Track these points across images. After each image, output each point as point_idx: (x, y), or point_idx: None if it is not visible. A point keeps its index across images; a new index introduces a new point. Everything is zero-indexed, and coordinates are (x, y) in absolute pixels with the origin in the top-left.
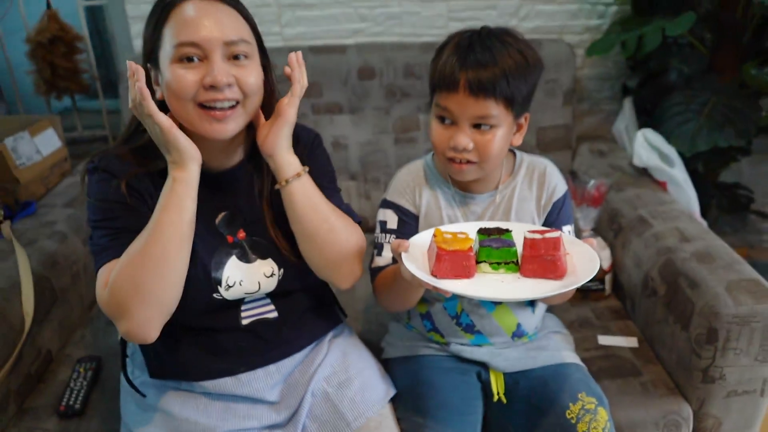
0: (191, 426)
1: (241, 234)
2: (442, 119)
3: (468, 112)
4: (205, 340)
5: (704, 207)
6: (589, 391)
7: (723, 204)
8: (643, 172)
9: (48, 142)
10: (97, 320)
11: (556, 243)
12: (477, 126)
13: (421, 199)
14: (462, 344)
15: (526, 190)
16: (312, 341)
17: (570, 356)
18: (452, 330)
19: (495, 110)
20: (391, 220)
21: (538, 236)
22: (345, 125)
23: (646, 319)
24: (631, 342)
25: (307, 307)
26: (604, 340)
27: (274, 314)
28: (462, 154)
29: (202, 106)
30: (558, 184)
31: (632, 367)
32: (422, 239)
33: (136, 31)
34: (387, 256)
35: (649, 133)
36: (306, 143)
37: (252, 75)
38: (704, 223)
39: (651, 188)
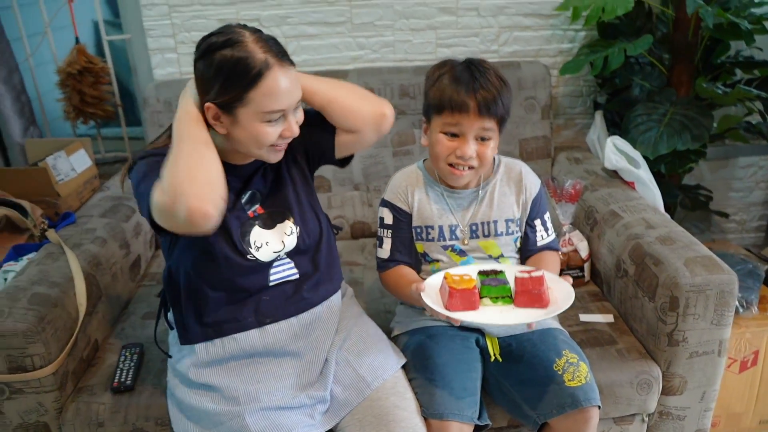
0: (233, 392)
1: (260, 209)
2: (448, 134)
3: (475, 127)
4: (236, 299)
5: (670, 207)
6: (571, 349)
7: (686, 203)
8: (614, 175)
9: (81, 161)
10: (134, 315)
11: (540, 280)
12: (479, 138)
13: (413, 199)
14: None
15: (506, 187)
16: (325, 298)
17: (555, 324)
18: None
19: (493, 125)
20: (388, 217)
21: (526, 275)
22: None
23: (620, 297)
24: (607, 318)
25: (320, 267)
26: (584, 317)
27: (296, 275)
28: (468, 161)
29: (271, 145)
30: (533, 182)
31: (609, 338)
32: (435, 280)
33: (156, 62)
34: (386, 248)
35: (618, 140)
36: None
37: (302, 115)
38: (667, 216)
39: (621, 188)
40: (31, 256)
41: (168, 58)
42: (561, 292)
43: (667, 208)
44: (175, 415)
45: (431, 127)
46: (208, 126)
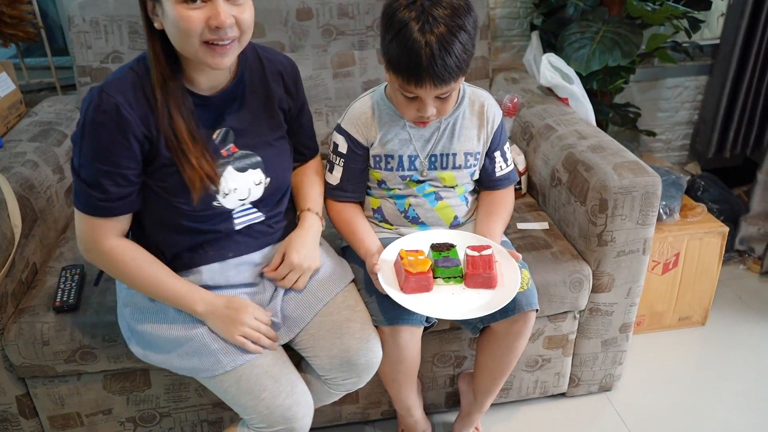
0: (188, 318)
1: (234, 148)
2: (406, 96)
3: (433, 94)
4: (198, 240)
5: (601, 124)
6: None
7: (616, 120)
8: (549, 92)
9: (3, 85)
10: (72, 240)
11: (489, 261)
12: (438, 98)
13: (374, 132)
14: (408, 230)
15: (468, 120)
16: (286, 233)
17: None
18: (400, 221)
19: (454, 84)
20: (342, 145)
21: (476, 254)
22: None
23: (554, 205)
24: (543, 225)
25: (283, 209)
26: (522, 225)
27: (261, 217)
28: (429, 119)
29: (206, 43)
30: (495, 115)
31: (544, 243)
32: (390, 255)
33: None
34: (336, 175)
35: (553, 57)
36: (286, 72)
37: (248, 13)
38: (598, 128)
39: (555, 104)
40: None
41: None
42: (509, 268)
43: (598, 125)
44: (129, 338)
45: (390, 76)
46: (150, 23)
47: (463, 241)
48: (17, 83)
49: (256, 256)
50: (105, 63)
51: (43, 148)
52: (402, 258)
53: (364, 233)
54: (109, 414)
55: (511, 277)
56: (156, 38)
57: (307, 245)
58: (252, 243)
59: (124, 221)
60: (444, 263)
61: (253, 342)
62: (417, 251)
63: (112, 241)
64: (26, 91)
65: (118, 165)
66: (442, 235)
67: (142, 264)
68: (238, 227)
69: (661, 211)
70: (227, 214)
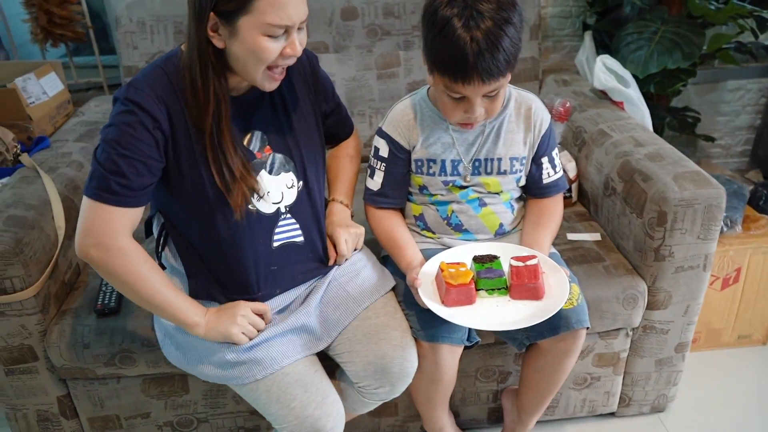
0: None
1: (268, 150)
2: (453, 97)
3: (481, 92)
4: (242, 265)
5: (658, 129)
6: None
7: (674, 124)
8: (603, 95)
9: (52, 84)
10: None
11: (535, 271)
12: (486, 97)
13: (416, 135)
14: (452, 239)
15: (514, 123)
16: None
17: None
18: (443, 228)
19: (503, 80)
20: (384, 149)
21: (521, 264)
22: (331, 63)
23: (607, 216)
24: (594, 236)
25: (323, 226)
26: (572, 236)
27: (301, 238)
28: (477, 120)
29: (269, 67)
30: (543, 119)
31: (596, 255)
32: (430, 268)
33: None
34: (377, 180)
35: (607, 59)
36: (304, 64)
37: (306, 38)
38: (656, 134)
39: (610, 108)
40: (4, 180)
41: None
42: (555, 279)
43: (655, 130)
44: (164, 342)
45: (434, 78)
46: (207, 39)
47: (507, 252)
48: (65, 83)
49: (302, 288)
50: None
51: (89, 148)
52: (443, 270)
53: (406, 244)
54: (148, 418)
55: (559, 287)
56: (214, 54)
57: (338, 219)
58: (297, 275)
59: (136, 215)
60: (487, 274)
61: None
62: (458, 263)
63: (126, 237)
64: (74, 90)
65: (141, 152)
66: (485, 247)
67: (149, 271)
68: (276, 243)
69: (722, 223)
70: (266, 226)
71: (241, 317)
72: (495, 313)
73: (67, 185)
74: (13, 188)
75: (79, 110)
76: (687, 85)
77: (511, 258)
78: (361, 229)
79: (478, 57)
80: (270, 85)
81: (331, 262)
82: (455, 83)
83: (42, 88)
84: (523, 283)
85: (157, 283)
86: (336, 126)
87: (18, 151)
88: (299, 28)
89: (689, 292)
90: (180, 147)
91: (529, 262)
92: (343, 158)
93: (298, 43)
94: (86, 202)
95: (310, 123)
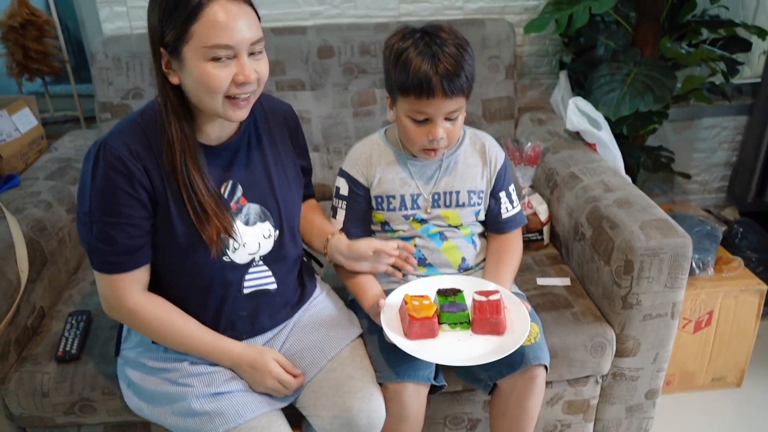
0: (186, 377)
1: (243, 201)
2: (416, 120)
3: (443, 110)
4: (211, 309)
5: (632, 168)
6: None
7: (647, 164)
8: (576, 137)
9: (25, 121)
10: (83, 281)
11: (497, 306)
12: (447, 119)
13: (374, 172)
14: (417, 275)
15: (471, 157)
16: (302, 305)
17: (512, 288)
18: None
19: (462, 101)
20: (344, 188)
21: (483, 299)
22: (307, 101)
23: (578, 260)
24: (564, 281)
25: (296, 275)
26: (542, 281)
27: (274, 285)
28: (440, 144)
29: (228, 97)
30: (497, 155)
31: (565, 301)
32: (395, 300)
33: (104, 15)
34: (339, 219)
35: (580, 101)
36: (289, 120)
37: (265, 65)
38: (628, 178)
39: (582, 149)
40: None
41: (117, 12)
42: (518, 314)
43: (629, 170)
44: (126, 391)
45: (397, 107)
46: (165, 78)
47: (470, 286)
48: (39, 118)
49: (269, 334)
50: (126, 99)
51: (59, 187)
52: (407, 303)
53: (367, 282)
54: None
55: (521, 323)
56: (172, 92)
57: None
58: (265, 321)
59: (143, 274)
60: (450, 308)
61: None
62: (422, 296)
63: (134, 297)
64: (50, 122)
65: (128, 216)
66: (449, 280)
67: (167, 320)
68: (246, 290)
69: (693, 264)
70: (238, 273)
71: (272, 380)
72: (456, 348)
73: (33, 227)
74: None
75: (52, 145)
76: (661, 124)
77: (475, 292)
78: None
79: (441, 72)
80: (235, 114)
81: (410, 269)
82: (419, 100)
83: (14, 124)
84: (485, 318)
85: (179, 329)
86: (305, 186)
87: None
88: (252, 53)
89: (658, 340)
90: (158, 196)
91: (491, 297)
92: (317, 210)
93: (252, 69)
94: (95, 274)
95: (290, 174)
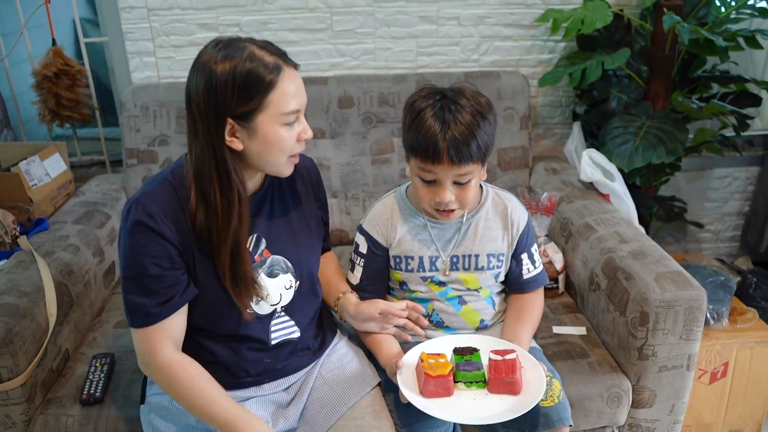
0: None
1: (267, 253)
2: (424, 180)
3: (450, 175)
4: (236, 358)
5: (646, 218)
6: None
7: (660, 214)
8: (590, 187)
9: (55, 166)
10: (107, 324)
11: (513, 365)
12: (457, 183)
13: (394, 232)
14: (433, 333)
15: (492, 220)
16: (323, 352)
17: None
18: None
19: (470, 168)
20: (363, 245)
21: (499, 358)
22: (327, 149)
23: (593, 310)
24: (580, 330)
25: (317, 322)
26: (557, 329)
27: (297, 334)
28: (447, 206)
29: (290, 156)
30: (520, 218)
31: (581, 351)
32: (411, 359)
33: (134, 65)
34: (357, 275)
35: (593, 153)
36: (311, 173)
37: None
38: (641, 229)
39: (596, 200)
40: (1, 263)
41: (146, 62)
42: (534, 374)
43: (642, 219)
44: None
45: (410, 164)
46: (228, 146)
47: (487, 345)
48: (68, 162)
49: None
50: (152, 146)
51: (86, 231)
52: (423, 361)
53: (383, 340)
54: None
55: (537, 383)
56: (232, 157)
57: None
58: (288, 367)
59: (176, 330)
60: (465, 367)
61: None
62: (438, 354)
63: (167, 352)
64: (78, 166)
65: (162, 267)
66: (466, 339)
67: (197, 383)
68: (274, 341)
69: (708, 316)
70: (261, 324)
71: None
72: (472, 407)
73: (61, 270)
74: (8, 273)
75: (80, 189)
76: (674, 175)
77: (491, 351)
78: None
79: (449, 138)
80: (289, 170)
81: (419, 332)
82: (426, 162)
83: (45, 169)
84: (500, 377)
85: (208, 396)
86: (323, 239)
87: (17, 233)
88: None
89: (674, 392)
90: (184, 254)
91: (507, 356)
92: (335, 267)
93: (308, 126)
94: (132, 332)
95: (312, 225)
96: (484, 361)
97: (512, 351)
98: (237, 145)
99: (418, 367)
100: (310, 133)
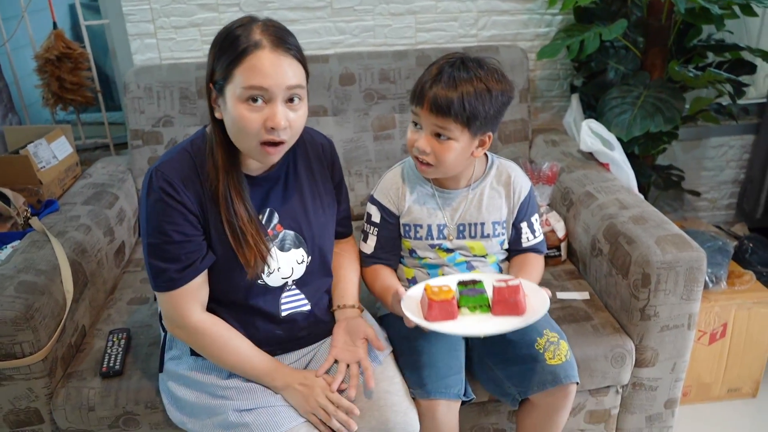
0: (227, 389)
1: (279, 227)
2: (414, 124)
3: (429, 123)
4: (247, 323)
5: (644, 187)
6: (551, 328)
7: (659, 183)
8: (589, 157)
9: (62, 148)
10: (120, 301)
11: (516, 289)
12: (437, 135)
13: (403, 200)
14: None
15: (496, 189)
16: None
17: None
18: None
19: (452, 126)
20: (375, 215)
21: (503, 284)
22: (329, 126)
23: (595, 275)
24: (583, 295)
25: (329, 295)
26: (561, 295)
27: (308, 307)
28: (422, 155)
29: (262, 143)
30: (522, 186)
31: (585, 314)
32: (416, 292)
33: (135, 47)
34: (371, 244)
35: (593, 123)
36: (327, 153)
37: (302, 116)
38: (641, 196)
39: (596, 169)
40: (15, 244)
41: (147, 44)
42: (537, 299)
43: (641, 188)
44: (168, 405)
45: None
46: (212, 111)
47: (491, 279)
48: (74, 145)
49: (305, 350)
50: (156, 127)
51: (96, 211)
52: (426, 290)
53: (392, 282)
54: None
55: (541, 303)
56: (217, 125)
57: (339, 338)
58: (301, 339)
59: (202, 291)
60: (469, 292)
61: (324, 421)
62: (442, 285)
63: (197, 314)
64: (82, 150)
65: (183, 233)
66: (471, 275)
67: (228, 341)
68: (284, 313)
69: (707, 279)
70: (272, 296)
71: (323, 396)
72: (476, 327)
73: (75, 249)
74: (23, 253)
75: (86, 171)
76: (671, 144)
77: (495, 280)
78: (358, 356)
79: (437, 87)
80: (265, 159)
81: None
82: (412, 103)
83: (52, 152)
84: (504, 299)
85: (237, 351)
86: (341, 216)
87: (28, 215)
88: (291, 100)
89: (675, 350)
90: (201, 220)
91: (511, 282)
92: (350, 264)
93: (284, 116)
94: (158, 297)
95: (326, 202)
96: (489, 291)
97: (516, 278)
98: (217, 113)
99: (423, 298)
100: (277, 122)
